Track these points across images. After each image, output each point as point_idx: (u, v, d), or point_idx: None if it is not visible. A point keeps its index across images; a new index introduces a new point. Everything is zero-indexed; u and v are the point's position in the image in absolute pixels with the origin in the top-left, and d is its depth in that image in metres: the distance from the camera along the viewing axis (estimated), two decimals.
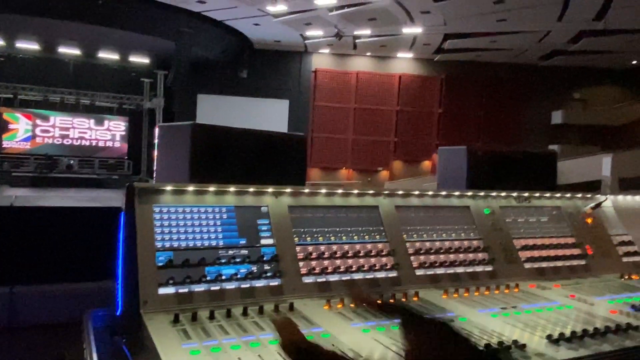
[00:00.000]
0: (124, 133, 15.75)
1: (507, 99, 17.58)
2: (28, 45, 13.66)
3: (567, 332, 1.09)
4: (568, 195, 1.94)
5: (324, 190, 1.51)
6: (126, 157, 15.75)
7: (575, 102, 17.88)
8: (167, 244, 1.23)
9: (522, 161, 2.27)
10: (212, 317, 1.10)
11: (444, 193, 1.72)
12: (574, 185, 11.25)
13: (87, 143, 15.38)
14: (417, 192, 1.65)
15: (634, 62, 16.62)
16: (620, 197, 2.01)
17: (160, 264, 1.18)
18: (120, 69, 15.01)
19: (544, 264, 1.65)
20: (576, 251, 1.74)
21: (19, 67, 14.05)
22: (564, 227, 1.81)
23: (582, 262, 1.71)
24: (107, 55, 14.45)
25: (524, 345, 1.03)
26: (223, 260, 1.26)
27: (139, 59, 14.79)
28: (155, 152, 2.01)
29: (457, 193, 1.74)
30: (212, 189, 1.36)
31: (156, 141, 2.02)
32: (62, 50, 14.05)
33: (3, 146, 14.30)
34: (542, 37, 14.01)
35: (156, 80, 15.27)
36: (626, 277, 1.68)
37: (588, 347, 1.05)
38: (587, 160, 11.99)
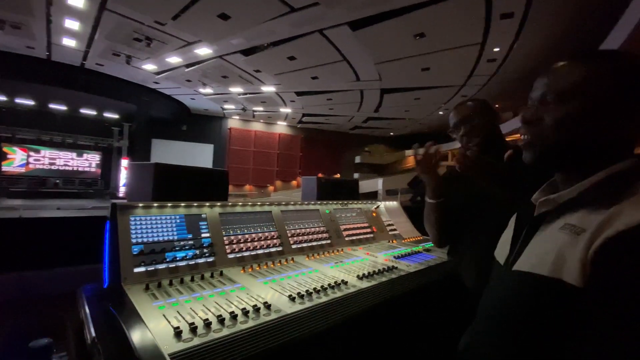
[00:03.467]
0: (98, 162, 13.04)
1: (334, 149, 18.62)
2: (25, 101, 10.56)
3: (366, 272, 1.19)
4: (364, 202, 2.10)
5: (240, 204, 1.46)
6: (99, 178, 13.13)
7: (366, 152, 19.70)
8: (139, 240, 1.08)
9: (338, 183, 2.35)
10: (171, 284, 1.00)
11: (306, 202, 1.76)
12: (365, 194, 12.32)
13: (70, 169, 12.30)
14: (292, 202, 1.67)
15: (392, 133, 18.96)
16: (387, 202, 2.25)
17: (135, 253, 1.04)
18: (96, 120, 12.32)
19: (354, 237, 1.77)
20: (368, 230, 1.89)
21: (17, 115, 10.65)
22: (363, 218, 1.96)
23: (371, 236, 1.87)
24: (88, 112, 11.76)
25: (346, 282, 1.10)
26: (177, 248, 1.14)
27: (111, 115, 12.36)
28: (126, 180, 1.75)
29: (312, 202, 1.79)
30: (169, 204, 1.23)
31: (126, 172, 1.77)
32: (52, 106, 11.04)
33: (2, 170, 10.89)
34: (350, 119, 15.24)
35: (123, 129, 13.08)
36: (391, 242, 1.87)
37: (374, 280, 1.15)
38: (372, 181, 13.28)
